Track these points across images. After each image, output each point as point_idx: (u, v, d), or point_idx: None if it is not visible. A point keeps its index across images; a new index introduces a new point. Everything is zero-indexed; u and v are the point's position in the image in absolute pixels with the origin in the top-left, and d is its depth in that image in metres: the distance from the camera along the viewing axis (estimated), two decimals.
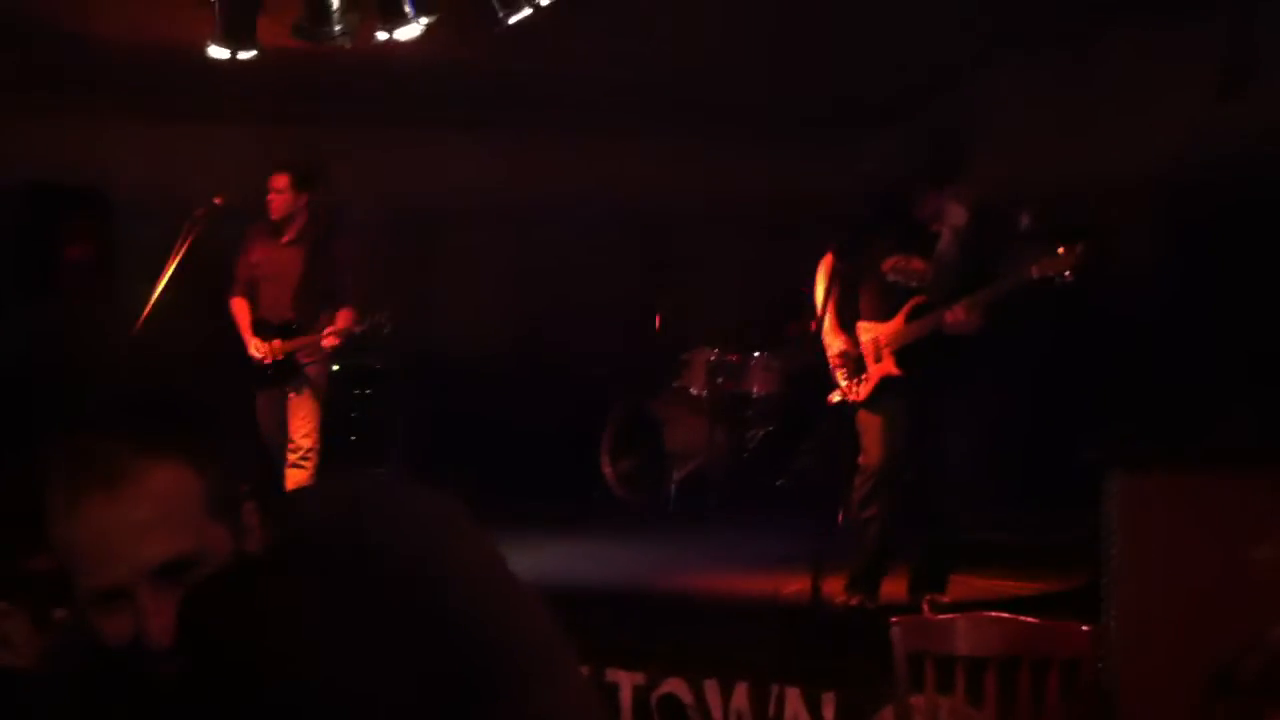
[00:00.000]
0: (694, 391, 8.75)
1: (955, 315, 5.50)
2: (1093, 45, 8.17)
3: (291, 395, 7.18)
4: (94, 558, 1.58)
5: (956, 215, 5.76)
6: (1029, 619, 3.00)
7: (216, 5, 6.06)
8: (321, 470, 7.21)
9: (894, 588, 5.89)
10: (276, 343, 7.13)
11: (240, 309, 7.29)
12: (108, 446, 1.60)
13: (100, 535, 1.57)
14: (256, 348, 7.17)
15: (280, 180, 7.14)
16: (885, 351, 5.73)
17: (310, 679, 1.73)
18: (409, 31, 5.84)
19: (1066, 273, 5.25)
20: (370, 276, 7.23)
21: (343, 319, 7.08)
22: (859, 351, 5.81)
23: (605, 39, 7.79)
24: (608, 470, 8.83)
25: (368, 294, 7.17)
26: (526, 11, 5.62)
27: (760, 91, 9.44)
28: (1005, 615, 3.03)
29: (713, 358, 8.73)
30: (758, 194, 10.16)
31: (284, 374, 7.18)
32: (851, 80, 9.04)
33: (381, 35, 5.88)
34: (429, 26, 5.88)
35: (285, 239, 7.25)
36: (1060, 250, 5.29)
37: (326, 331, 7.06)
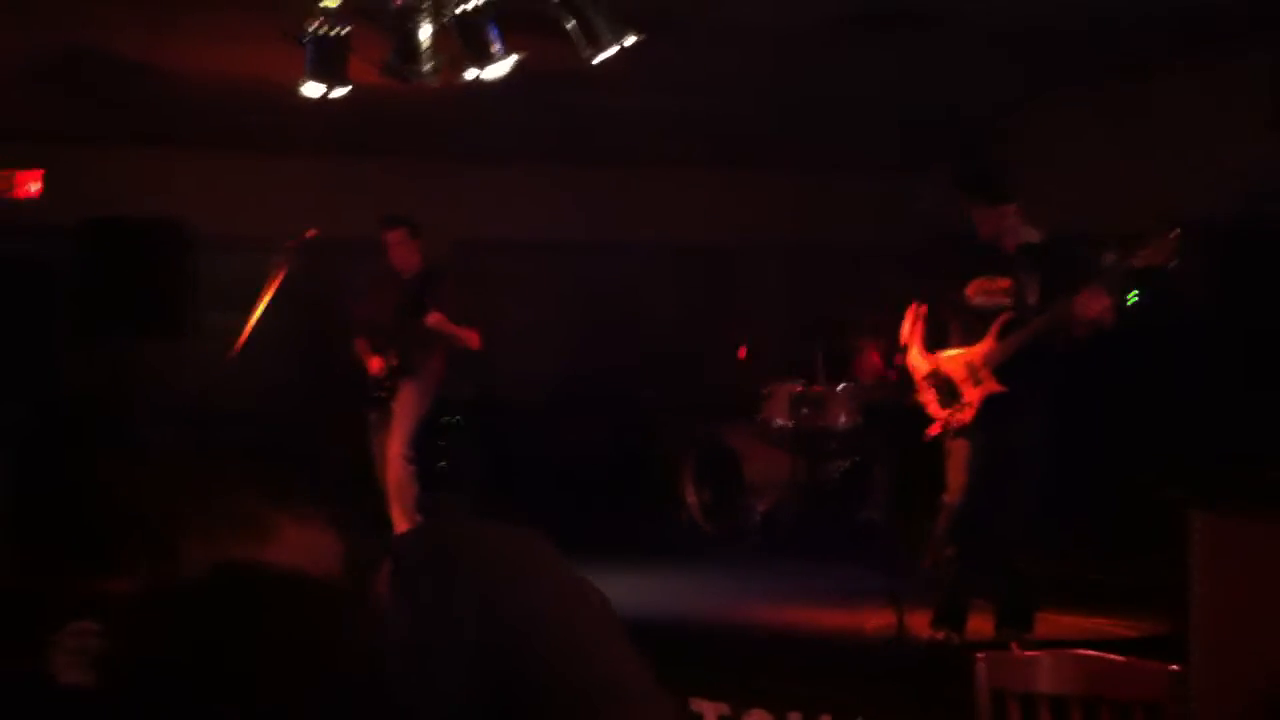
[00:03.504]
0: (778, 423, 8.74)
1: (1088, 301, 5.38)
2: (1142, 83, 8.14)
3: (395, 406, 7.54)
4: None
5: (1030, 233, 5.77)
6: (1113, 656, 2.98)
7: (309, 44, 6.18)
8: (420, 480, 7.49)
9: (981, 624, 5.87)
10: (391, 352, 7.51)
11: (362, 346, 7.72)
12: (258, 499, 1.61)
13: None
14: (375, 364, 7.59)
15: (397, 235, 7.59)
16: (984, 372, 5.70)
17: (384, 713, 1.77)
18: (497, 70, 5.92)
19: (1171, 262, 5.20)
20: (470, 306, 7.57)
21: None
22: (949, 376, 5.80)
23: (664, 77, 7.87)
24: (691, 500, 8.86)
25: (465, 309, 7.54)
26: (612, 51, 5.68)
27: (813, 129, 9.52)
28: (1089, 653, 3.01)
29: (797, 389, 8.72)
30: (815, 230, 10.23)
31: (396, 384, 7.54)
32: (906, 120, 9.10)
33: (470, 74, 5.97)
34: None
35: (401, 276, 7.71)
36: (1159, 237, 5.24)
37: (434, 309, 7.40)
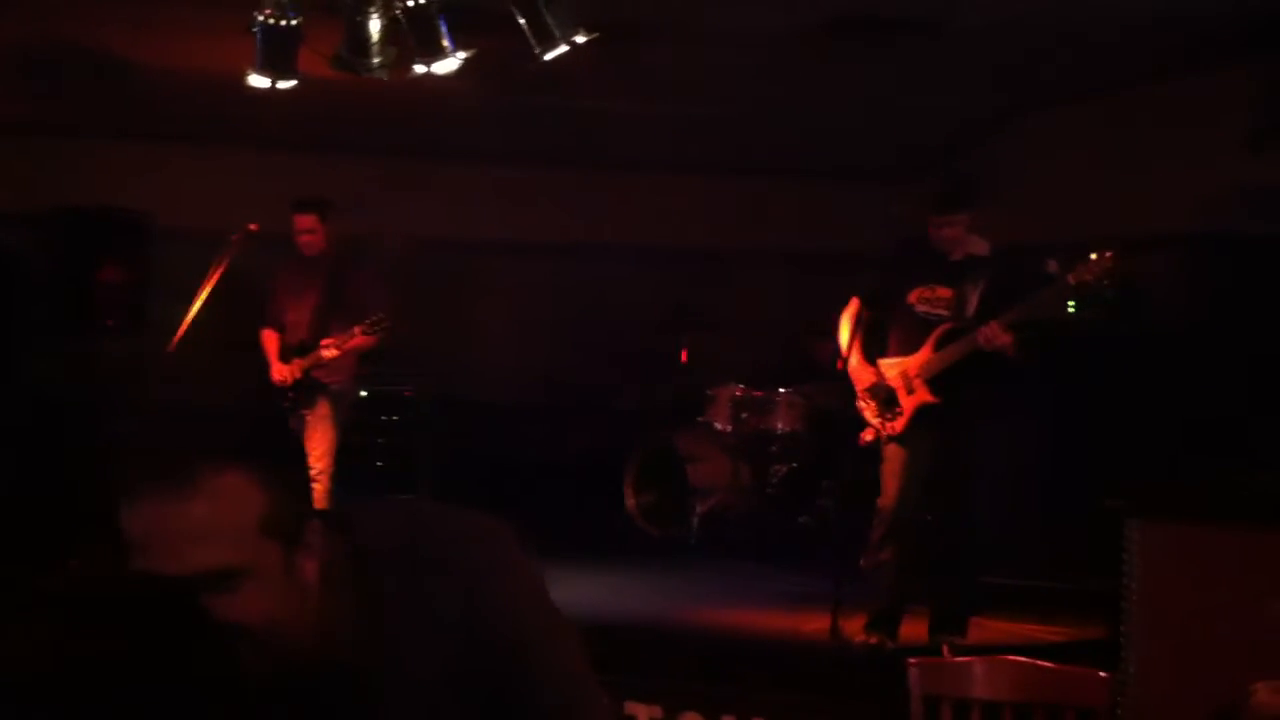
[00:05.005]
0: (718, 427, 8.76)
1: (990, 332, 5.51)
2: (1121, 98, 8.24)
3: (308, 416, 7.21)
4: (145, 552, 1.61)
5: (978, 245, 5.82)
6: (1045, 664, 3.01)
7: (258, 35, 6.12)
8: (334, 494, 7.25)
9: (915, 629, 5.91)
10: (295, 362, 7.24)
11: (269, 339, 7.41)
12: (176, 450, 1.64)
13: (155, 533, 1.61)
14: (278, 372, 7.28)
15: (307, 220, 7.28)
16: (917, 382, 5.75)
17: (354, 683, 1.78)
18: (446, 65, 5.89)
19: (1106, 281, 5.28)
20: (387, 300, 7.23)
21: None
22: (888, 385, 5.83)
23: (638, 81, 7.88)
24: (631, 503, 8.85)
25: (383, 315, 7.19)
26: (562, 49, 5.67)
27: (789, 138, 9.56)
28: (1022, 659, 3.03)
29: (738, 394, 8.75)
30: (783, 236, 10.27)
31: (303, 395, 7.24)
32: (885, 133, 9.16)
33: (419, 69, 5.94)
34: (465, 61, 5.94)
35: (310, 266, 7.37)
36: (1092, 256, 5.32)
37: (324, 342, 7.12)
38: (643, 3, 6.63)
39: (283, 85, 6.20)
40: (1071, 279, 5.38)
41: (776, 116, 9.16)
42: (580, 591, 6.79)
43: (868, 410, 5.91)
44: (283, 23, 6.05)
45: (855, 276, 6.31)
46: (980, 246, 5.84)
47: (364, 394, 8.47)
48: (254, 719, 1.67)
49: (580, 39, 5.65)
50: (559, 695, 1.81)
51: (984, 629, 6.00)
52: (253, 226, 7.28)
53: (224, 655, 1.62)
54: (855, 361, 5.98)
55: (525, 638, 1.81)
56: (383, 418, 9.23)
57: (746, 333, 9.61)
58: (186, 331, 7.13)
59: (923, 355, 5.76)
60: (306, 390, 7.25)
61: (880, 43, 7.37)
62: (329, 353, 7.11)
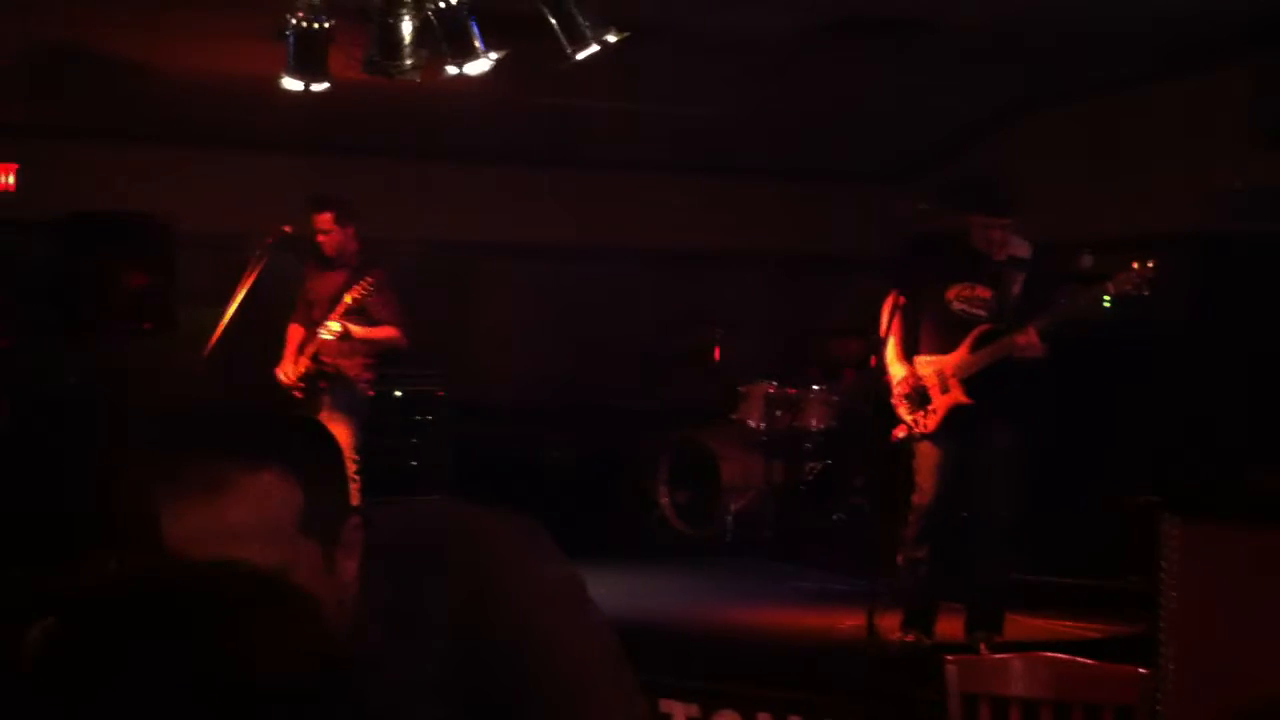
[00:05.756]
0: (751, 424, 8.75)
1: (1028, 338, 5.50)
2: (1121, 98, 8.22)
3: (322, 417, 7.01)
4: (185, 555, 1.60)
5: (1020, 247, 5.79)
6: (1084, 660, 3.00)
7: (290, 38, 6.16)
8: (363, 494, 7.21)
9: (951, 626, 5.89)
10: (306, 351, 7.21)
11: (293, 334, 7.39)
12: (211, 453, 1.65)
13: (195, 536, 1.61)
14: (284, 370, 7.27)
15: (324, 220, 7.27)
16: (952, 381, 5.72)
17: (354, 683, 1.78)
18: (478, 66, 5.92)
19: (1145, 290, 5.26)
20: (398, 301, 7.28)
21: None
22: (922, 382, 5.81)
23: (638, 81, 7.88)
24: (664, 501, 8.86)
25: (394, 316, 7.25)
26: (594, 49, 5.68)
27: (789, 139, 9.56)
28: (1060, 656, 3.03)
29: (771, 390, 8.74)
30: (782, 237, 10.26)
31: (316, 392, 7.22)
32: (885, 133, 9.16)
33: (451, 70, 5.96)
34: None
35: (333, 264, 7.38)
36: (1134, 265, 5.30)
37: (324, 323, 7.11)
38: (643, 3, 6.63)
39: (316, 88, 6.24)
40: (1113, 289, 5.37)
41: (776, 117, 9.15)
42: (614, 590, 6.79)
43: (901, 407, 5.89)
44: (314, 26, 6.09)
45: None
46: (1022, 248, 5.81)
47: (399, 394, 8.52)
48: (254, 719, 1.66)
49: (612, 38, 5.65)
50: (559, 698, 1.79)
51: (1017, 626, 5.98)
52: (287, 228, 7.32)
53: (226, 655, 1.61)
54: (891, 358, 5.96)
55: (531, 638, 1.80)
56: (416, 417, 9.26)
57: (759, 332, 9.61)
58: (223, 333, 7.16)
59: (959, 355, 5.74)
60: (316, 388, 7.22)
61: (880, 43, 7.36)
62: (326, 333, 7.08)
